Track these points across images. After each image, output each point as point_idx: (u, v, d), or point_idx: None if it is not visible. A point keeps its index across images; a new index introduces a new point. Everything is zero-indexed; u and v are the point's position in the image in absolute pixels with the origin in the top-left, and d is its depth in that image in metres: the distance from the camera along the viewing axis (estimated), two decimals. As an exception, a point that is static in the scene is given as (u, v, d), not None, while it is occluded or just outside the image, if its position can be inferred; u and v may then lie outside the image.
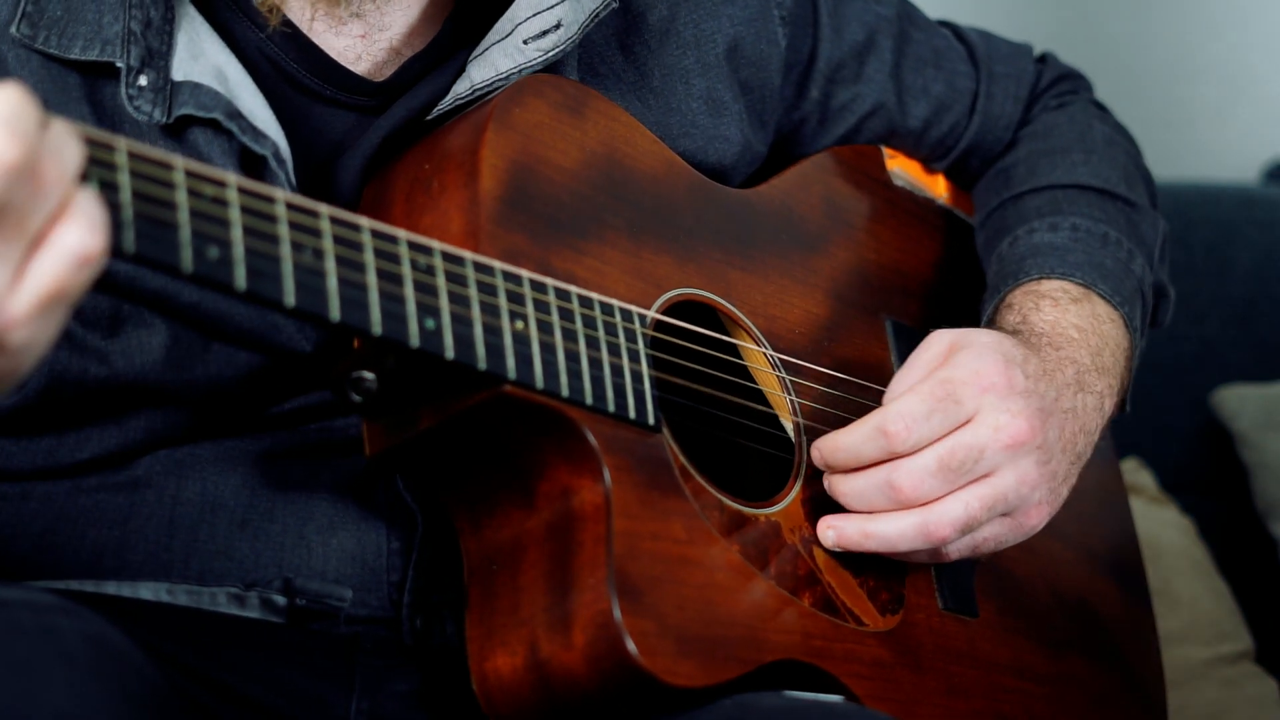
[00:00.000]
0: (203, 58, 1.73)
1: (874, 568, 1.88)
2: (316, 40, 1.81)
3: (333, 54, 1.81)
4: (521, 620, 1.69)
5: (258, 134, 1.72)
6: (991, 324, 2.01)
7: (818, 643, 1.78)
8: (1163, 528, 2.99)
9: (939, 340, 1.89)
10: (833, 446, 1.84)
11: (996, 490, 1.84)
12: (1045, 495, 1.88)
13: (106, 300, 1.72)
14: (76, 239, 1.31)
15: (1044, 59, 2.30)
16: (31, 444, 1.80)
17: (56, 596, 1.54)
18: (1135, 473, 3.07)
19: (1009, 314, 2.00)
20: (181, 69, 1.72)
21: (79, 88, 1.73)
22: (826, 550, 1.85)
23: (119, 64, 1.71)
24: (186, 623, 1.76)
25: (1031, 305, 2.00)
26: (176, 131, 1.73)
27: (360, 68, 1.83)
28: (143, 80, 1.71)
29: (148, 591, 1.77)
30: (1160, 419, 3.17)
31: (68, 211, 1.31)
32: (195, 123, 1.72)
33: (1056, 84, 2.27)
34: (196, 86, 1.72)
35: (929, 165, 2.22)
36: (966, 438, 1.82)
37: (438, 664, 1.81)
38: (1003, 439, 1.83)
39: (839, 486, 1.84)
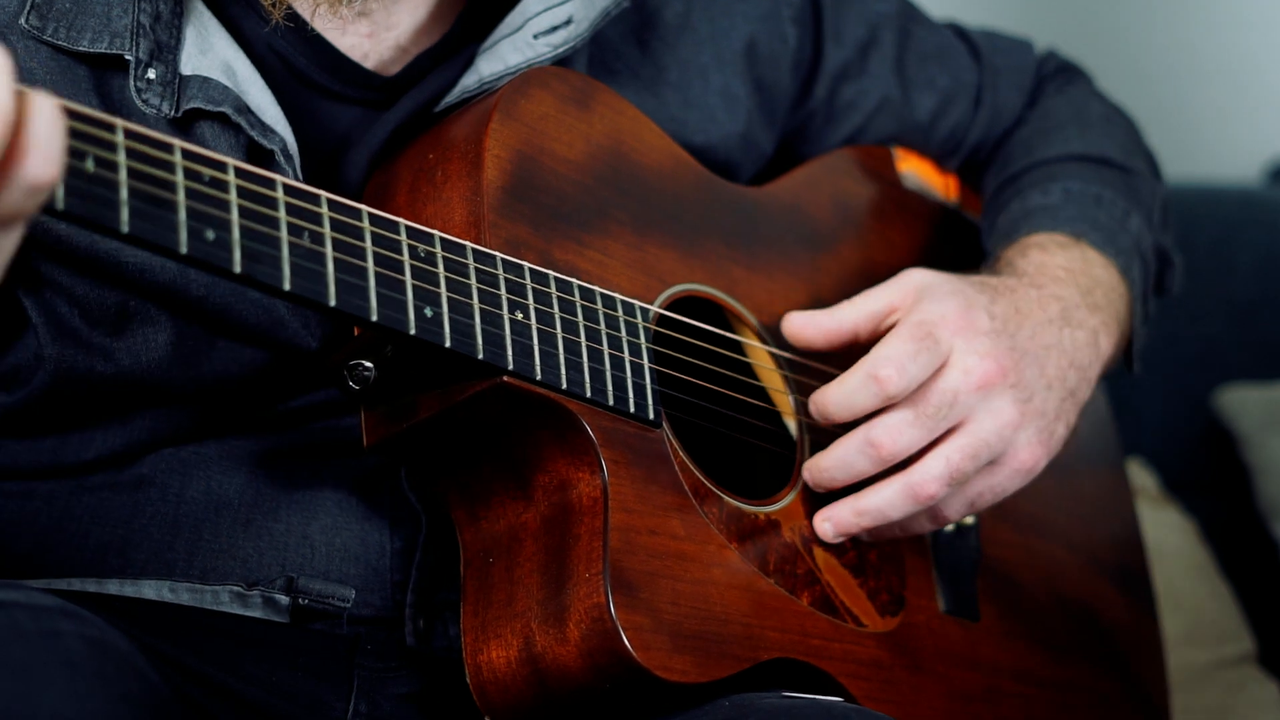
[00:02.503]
0: (211, 52, 1.73)
1: (874, 569, 1.87)
2: (324, 36, 1.80)
3: (341, 49, 1.80)
4: (516, 613, 1.68)
5: (266, 129, 1.72)
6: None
7: (815, 642, 1.78)
8: (1164, 529, 2.99)
9: (908, 278, 1.88)
10: (823, 400, 1.83)
11: (975, 437, 1.83)
12: (1034, 435, 1.87)
13: (113, 297, 1.71)
14: (34, 171, 1.31)
15: (1047, 55, 2.30)
16: (36, 444, 1.79)
17: (59, 599, 1.54)
18: (1137, 474, 3.07)
19: (997, 265, 2.00)
20: (190, 63, 1.72)
21: (87, 79, 1.72)
22: (826, 549, 1.84)
23: (128, 57, 1.70)
24: (187, 623, 1.75)
25: (1018, 253, 2.00)
26: (184, 125, 1.72)
27: (368, 64, 1.82)
28: (151, 74, 1.70)
29: (150, 590, 1.76)
30: (1162, 420, 3.16)
31: (23, 139, 1.31)
32: (203, 116, 1.72)
33: (1058, 75, 2.28)
34: (205, 81, 1.71)
35: (942, 164, 2.22)
36: (939, 384, 1.82)
37: (437, 667, 1.80)
38: (973, 381, 1.82)
39: (819, 463, 1.83)
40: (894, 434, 1.80)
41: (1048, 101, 2.23)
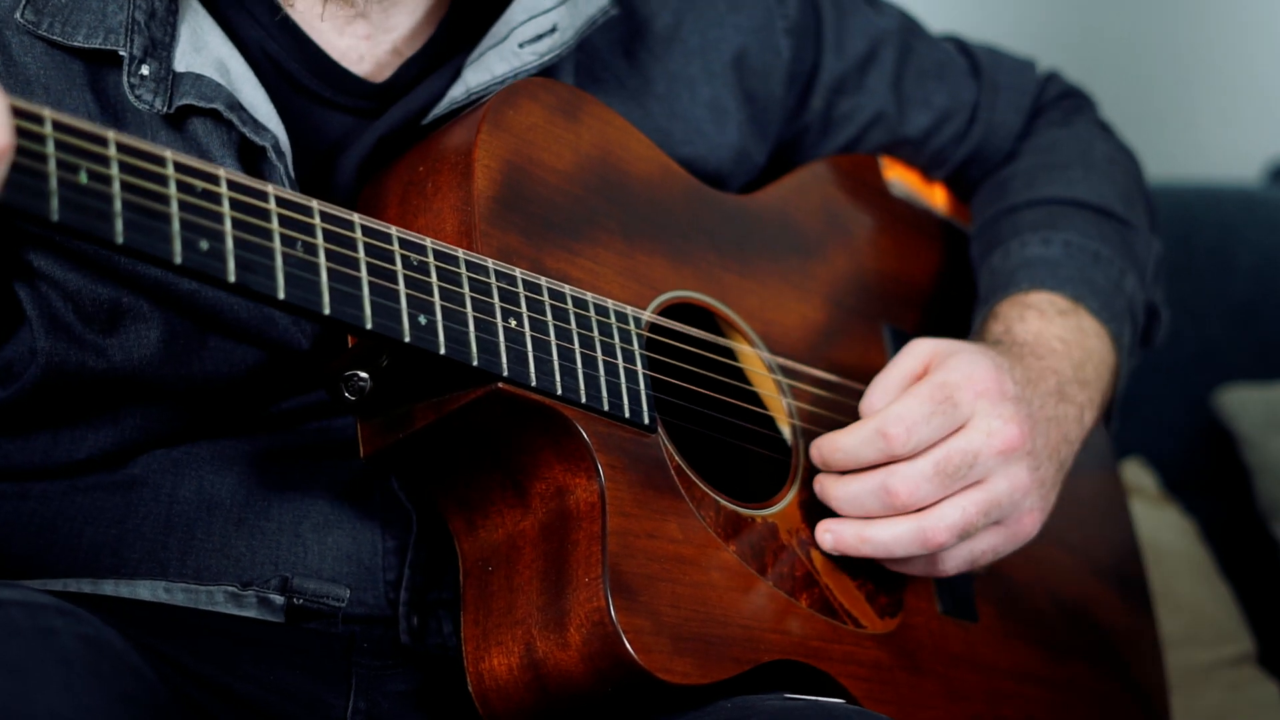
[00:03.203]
0: (205, 50, 1.74)
1: (872, 571, 1.87)
2: (318, 39, 1.81)
3: (334, 54, 1.82)
4: (517, 620, 1.69)
5: (258, 126, 1.73)
6: (978, 334, 2.01)
7: (815, 643, 1.78)
8: (1164, 530, 2.98)
9: (919, 348, 1.89)
10: (831, 447, 1.84)
11: (990, 496, 1.84)
12: (1037, 502, 1.89)
13: (106, 292, 1.72)
14: None
15: (1050, 77, 2.30)
16: (28, 442, 1.80)
17: (54, 597, 1.54)
18: (1137, 474, 3.07)
19: (994, 324, 2.00)
20: (184, 60, 1.73)
21: (82, 75, 1.73)
22: (824, 552, 1.84)
23: (122, 53, 1.72)
24: (183, 623, 1.76)
25: (1017, 316, 2.00)
26: (177, 121, 1.73)
27: (361, 69, 1.83)
28: (145, 70, 1.72)
29: (145, 590, 1.77)
30: (1161, 420, 3.16)
31: None
32: (196, 113, 1.73)
33: (1061, 101, 2.27)
34: (198, 78, 1.72)
35: (929, 174, 2.22)
36: (961, 443, 1.82)
37: (434, 664, 1.81)
38: (995, 444, 1.83)
39: (833, 490, 1.84)
40: (911, 486, 1.81)
41: (1051, 131, 2.22)
